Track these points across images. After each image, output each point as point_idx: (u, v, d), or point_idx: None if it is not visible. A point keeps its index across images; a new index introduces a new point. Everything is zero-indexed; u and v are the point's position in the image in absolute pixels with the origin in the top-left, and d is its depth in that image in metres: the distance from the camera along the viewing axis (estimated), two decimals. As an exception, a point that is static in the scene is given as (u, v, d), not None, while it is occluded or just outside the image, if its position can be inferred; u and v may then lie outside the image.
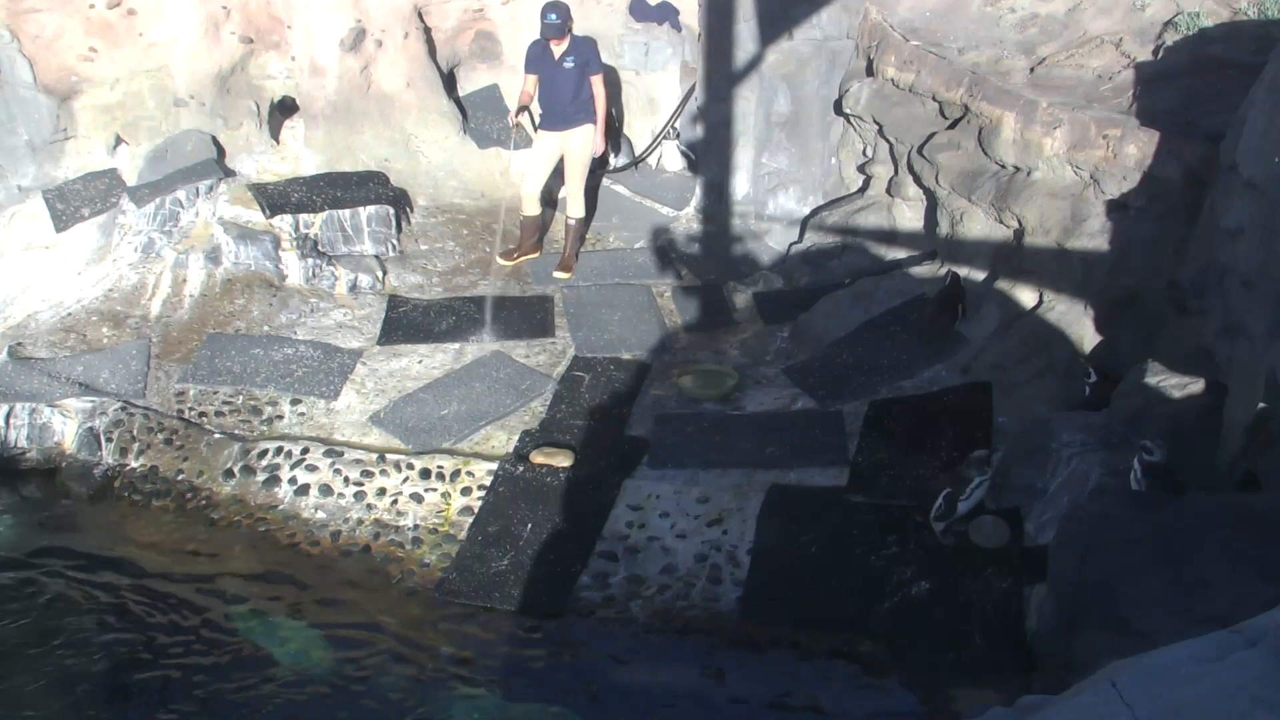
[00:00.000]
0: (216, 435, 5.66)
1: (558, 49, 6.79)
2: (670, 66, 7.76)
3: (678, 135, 7.86)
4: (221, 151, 7.23)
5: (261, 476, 5.40)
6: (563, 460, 5.34)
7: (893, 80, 6.60)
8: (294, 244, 6.77)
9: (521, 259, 7.19)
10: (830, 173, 7.43)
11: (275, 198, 6.91)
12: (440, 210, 7.43)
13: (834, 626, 4.41)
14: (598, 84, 6.87)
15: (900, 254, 6.68)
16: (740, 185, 7.51)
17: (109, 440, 5.68)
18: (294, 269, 6.74)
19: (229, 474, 5.46)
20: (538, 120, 7.12)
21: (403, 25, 7.38)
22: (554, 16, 6.65)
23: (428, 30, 7.59)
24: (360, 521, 5.18)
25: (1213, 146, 4.71)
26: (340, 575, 4.96)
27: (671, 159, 7.89)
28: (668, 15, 7.70)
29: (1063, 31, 6.24)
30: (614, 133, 7.93)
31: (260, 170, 7.29)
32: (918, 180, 6.52)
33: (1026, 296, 5.71)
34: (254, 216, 6.81)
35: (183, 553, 5.12)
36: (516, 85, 7.11)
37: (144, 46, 7.08)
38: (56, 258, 6.77)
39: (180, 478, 5.52)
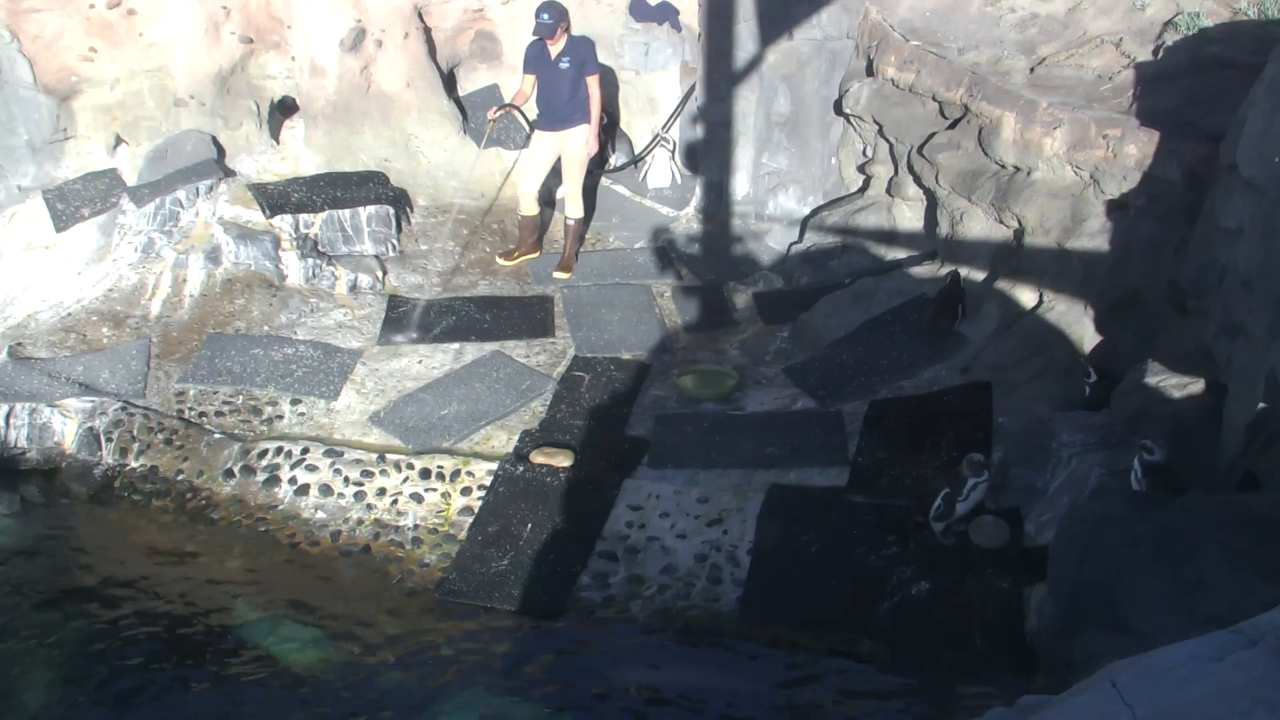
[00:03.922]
0: (216, 435, 5.66)
1: (554, 49, 6.80)
2: (670, 66, 7.76)
3: (673, 147, 7.80)
4: (221, 151, 7.23)
5: (261, 476, 5.40)
6: (563, 460, 5.34)
7: (893, 80, 6.60)
8: (294, 244, 6.77)
9: (521, 259, 7.19)
10: (830, 173, 7.43)
11: (275, 198, 6.91)
12: (440, 210, 7.43)
13: (834, 626, 4.41)
14: (594, 84, 6.87)
15: (900, 254, 6.68)
16: (740, 185, 7.51)
17: (109, 440, 5.68)
18: (294, 269, 6.74)
19: (229, 474, 5.46)
20: (535, 120, 7.13)
21: (403, 25, 7.38)
22: (546, 16, 6.65)
23: (428, 30, 7.59)
24: (360, 521, 5.18)
25: (1213, 146, 4.71)
26: (340, 575, 4.96)
27: (659, 175, 7.76)
28: (668, 15, 7.70)
29: (1063, 31, 6.24)
30: (613, 132, 7.93)
31: (260, 170, 7.29)
32: (918, 180, 6.52)
33: (1026, 296, 5.71)
34: (254, 216, 6.81)
35: (183, 553, 5.12)
36: (516, 85, 7.12)
37: (144, 46, 7.08)
38: (56, 258, 6.77)
39: (180, 478, 5.52)
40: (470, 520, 5.11)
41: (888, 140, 6.74)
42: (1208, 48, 5.60)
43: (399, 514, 5.19)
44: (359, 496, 5.27)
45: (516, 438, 5.57)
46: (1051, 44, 6.21)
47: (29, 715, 4.18)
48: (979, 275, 6.01)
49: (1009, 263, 5.84)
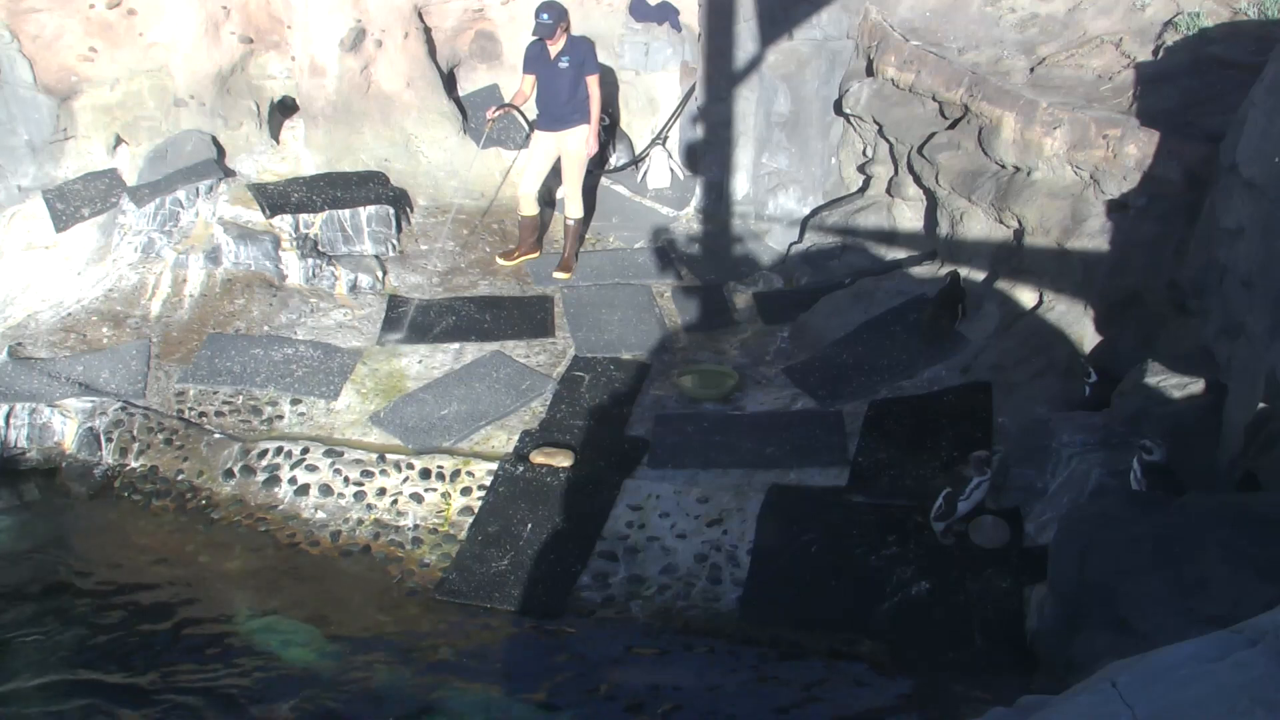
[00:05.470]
0: (216, 435, 5.66)
1: (554, 49, 6.80)
2: (670, 66, 7.76)
3: (665, 143, 7.80)
4: (221, 151, 7.23)
5: (261, 476, 5.40)
6: (563, 460, 5.34)
7: (893, 80, 6.61)
8: (294, 244, 6.77)
9: (521, 259, 7.20)
10: (830, 173, 7.44)
11: (275, 198, 6.91)
12: (440, 210, 7.43)
13: (834, 626, 4.41)
14: (593, 84, 6.87)
15: (900, 254, 6.68)
16: (740, 185, 7.51)
17: (109, 440, 5.68)
18: (294, 269, 6.75)
19: (229, 474, 5.46)
20: (534, 120, 7.13)
21: (403, 25, 7.38)
22: (546, 16, 6.66)
23: (428, 30, 7.59)
24: (360, 521, 5.18)
25: (1213, 146, 4.72)
26: (340, 575, 4.96)
27: (659, 175, 7.77)
28: (668, 15, 7.70)
29: (1063, 31, 6.24)
30: (613, 132, 7.93)
31: (260, 170, 7.29)
32: (918, 180, 6.52)
33: (1026, 296, 5.71)
34: (254, 216, 6.81)
35: (183, 553, 5.12)
36: (516, 85, 7.12)
37: (144, 46, 7.08)
38: (56, 258, 6.77)
39: (180, 478, 5.52)
40: (470, 520, 5.11)
41: (888, 140, 6.74)
42: (1208, 48, 5.60)
43: (399, 514, 5.19)
44: (359, 496, 5.27)
45: (516, 438, 5.57)
46: (1051, 44, 6.21)
47: (29, 714, 4.18)
48: (979, 275, 6.01)
49: (1009, 263, 5.84)
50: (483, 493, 5.23)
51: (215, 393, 5.95)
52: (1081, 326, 5.40)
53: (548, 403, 5.83)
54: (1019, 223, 5.71)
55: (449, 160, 7.57)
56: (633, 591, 4.72)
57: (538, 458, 5.37)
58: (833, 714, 4.10)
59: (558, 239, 7.33)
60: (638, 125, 7.97)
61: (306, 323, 6.49)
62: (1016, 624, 4.18)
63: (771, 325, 6.55)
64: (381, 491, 5.28)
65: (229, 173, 7.10)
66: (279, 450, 5.50)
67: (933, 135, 6.29)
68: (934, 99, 6.37)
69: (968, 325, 5.85)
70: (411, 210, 7.39)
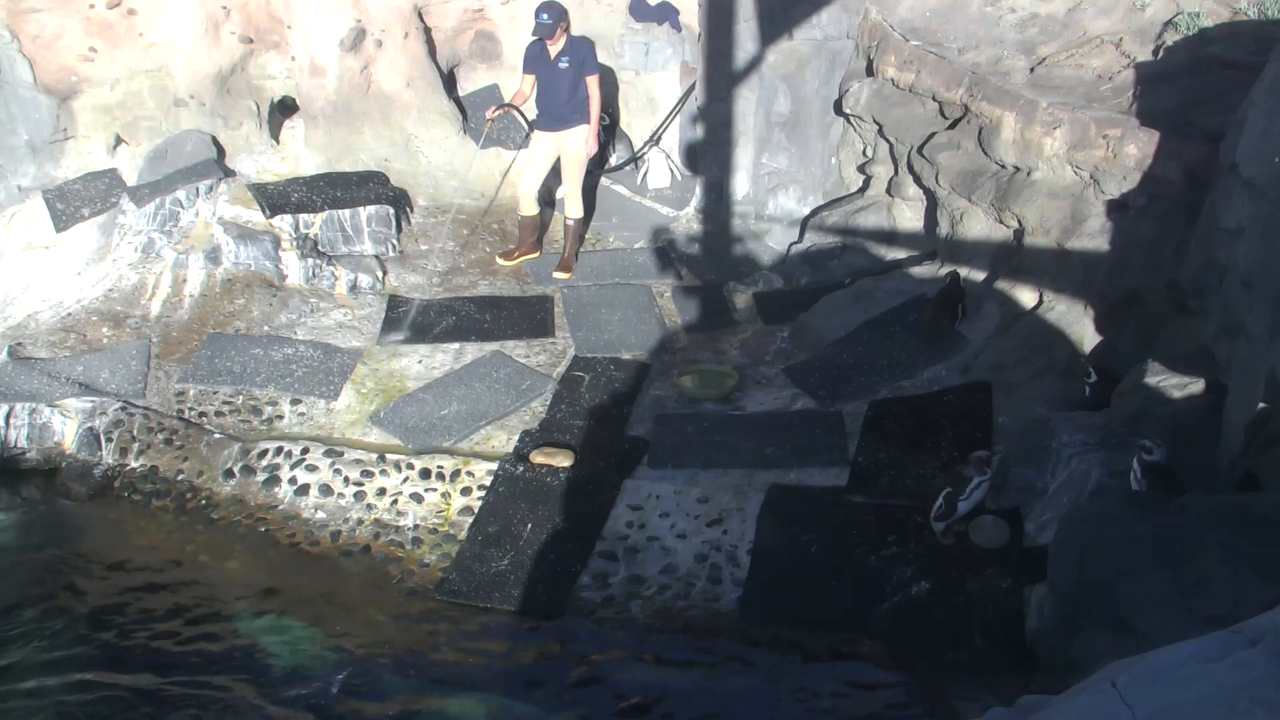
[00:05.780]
0: (216, 435, 5.66)
1: (554, 49, 6.80)
2: (670, 66, 7.76)
3: (659, 143, 7.80)
4: (221, 151, 7.23)
5: (261, 476, 5.40)
6: (563, 460, 5.34)
7: (893, 80, 6.61)
8: (294, 244, 6.77)
9: (521, 259, 7.20)
10: (830, 173, 7.44)
11: (275, 198, 6.91)
12: (440, 210, 7.43)
13: (834, 626, 4.41)
14: (593, 84, 6.87)
15: (900, 254, 6.68)
16: (740, 185, 7.51)
17: (109, 440, 5.68)
18: (294, 269, 6.74)
19: (229, 474, 5.46)
20: (534, 120, 7.13)
21: (403, 25, 7.38)
22: (545, 16, 6.66)
23: (428, 30, 7.59)
24: (360, 521, 5.18)
25: (1213, 146, 4.72)
26: (340, 575, 4.96)
27: (658, 175, 7.78)
28: (668, 15, 7.70)
29: (1063, 31, 6.24)
30: (613, 132, 7.93)
31: (260, 170, 7.29)
32: (918, 180, 6.52)
33: (1026, 296, 5.71)
34: (254, 216, 6.81)
35: (183, 553, 5.12)
36: (516, 85, 7.13)
37: (144, 46, 7.08)
38: (56, 258, 6.77)
39: (180, 478, 5.52)
40: (470, 520, 5.11)
41: (888, 140, 6.74)
42: (1208, 48, 5.60)
43: (399, 514, 5.19)
44: (359, 496, 5.27)
45: (516, 438, 5.57)
46: (1051, 44, 6.21)
47: (29, 714, 4.18)
48: (979, 275, 6.01)
49: (1009, 263, 5.84)
50: (483, 493, 5.23)
51: (215, 393, 5.95)
52: (1081, 326, 5.40)
53: (548, 403, 5.83)
54: (1019, 223, 5.71)
55: (449, 160, 7.57)
56: (633, 591, 4.72)
57: (538, 458, 5.37)
58: (826, 708, 4.10)
59: (558, 239, 7.33)
60: (638, 125, 7.97)
61: (306, 323, 6.49)
62: (1016, 624, 4.18)
63: (771, 325, 6.55)
64: (381, 491, 5.28)
65: (229, 173, 7.10)
66: (279, 450, 5.50)
67: (933, 135, 6.29)
68: (934, 99, 6.37)
69: (968, 325, 5.85)
70: (411, 210, 7.39)
